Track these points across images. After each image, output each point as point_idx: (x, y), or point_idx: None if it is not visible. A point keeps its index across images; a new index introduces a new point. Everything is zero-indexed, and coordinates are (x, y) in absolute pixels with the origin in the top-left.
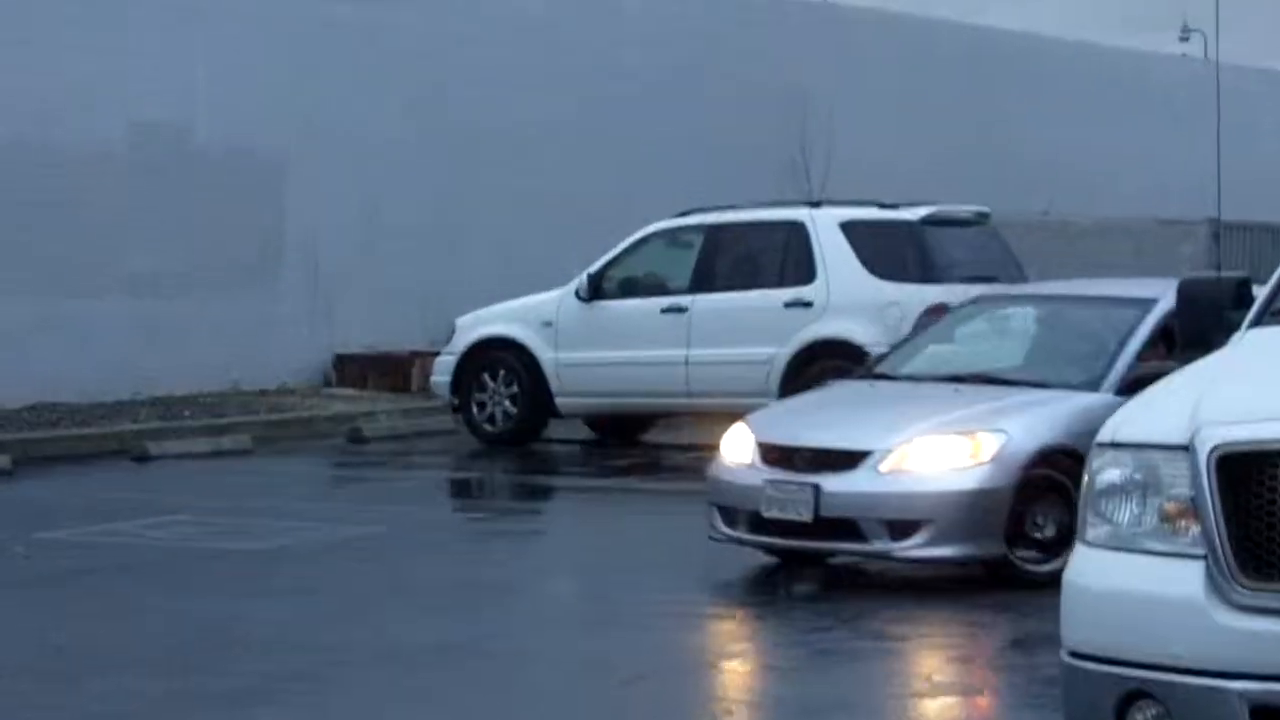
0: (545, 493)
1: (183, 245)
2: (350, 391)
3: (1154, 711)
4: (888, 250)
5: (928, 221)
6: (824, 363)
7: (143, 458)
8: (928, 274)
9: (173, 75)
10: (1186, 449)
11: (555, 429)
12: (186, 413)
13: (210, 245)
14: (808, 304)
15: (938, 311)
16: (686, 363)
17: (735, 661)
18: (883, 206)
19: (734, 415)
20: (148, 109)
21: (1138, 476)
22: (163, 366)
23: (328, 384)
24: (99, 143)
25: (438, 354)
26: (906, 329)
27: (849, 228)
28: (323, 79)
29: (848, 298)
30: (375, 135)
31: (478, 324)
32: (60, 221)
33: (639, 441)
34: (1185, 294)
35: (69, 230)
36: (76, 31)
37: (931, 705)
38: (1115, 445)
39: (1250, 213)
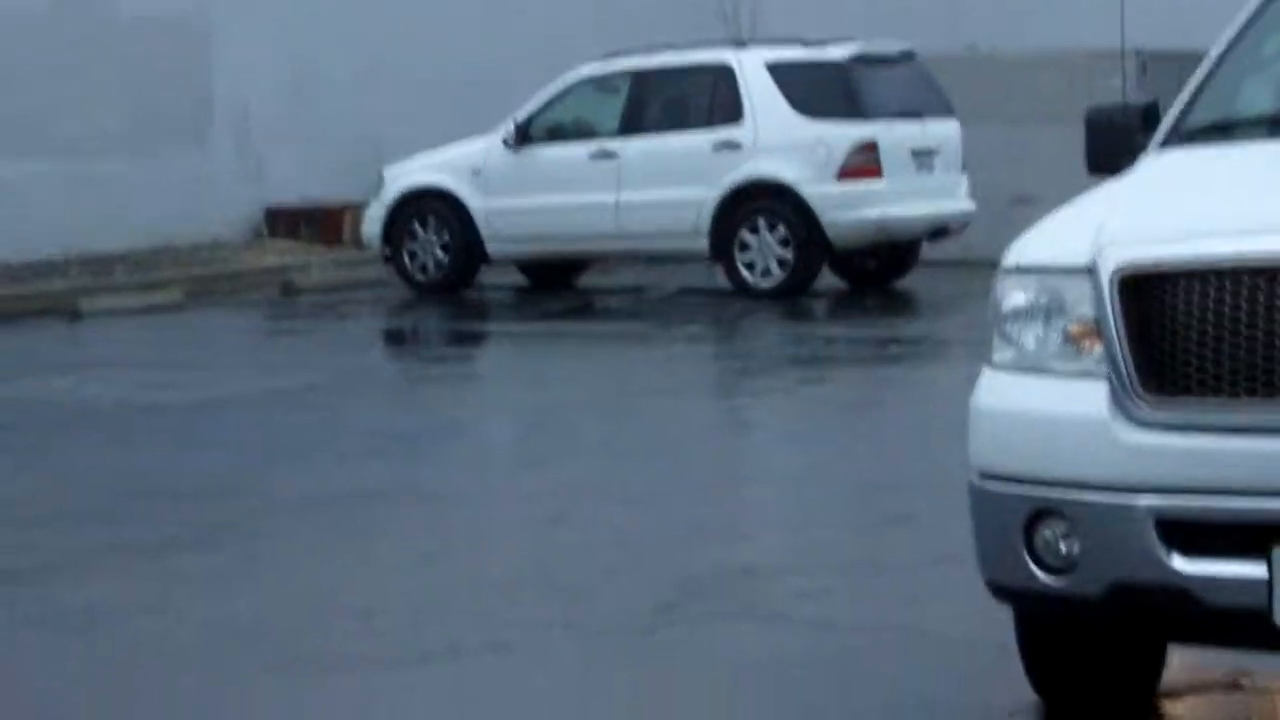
0: (477, 339)
1: (111, 107)
2: (282, 244)
3: (1061, 528)
4: (815, 89)
5: (854, 59)
6: (752, 202)
7: (75, 315)
8: (854, 112)
9: None
10: (1090, 271)
11: (486, 275)
12: (118, 270)
13: (139, 106)
14: (736, 145)
15: (867, 151)
16: (616, 206)
17: (650, 494)
18: (808, 45)
19: (664, 258)
20: None
21: (1042, 299)
22: (94, 226)
23: (259, 238)
24: (24, 8)
25: (368, 205)
26: (834, 168)
27: (775, 68)
28: None
29: (775, 138)
30: None
31: (406, 174)
32: None
33: (571, 286)
34: (1093, 120)
35: None
36: None
37: None
38: (1020, 269)
39: (1187, 40)
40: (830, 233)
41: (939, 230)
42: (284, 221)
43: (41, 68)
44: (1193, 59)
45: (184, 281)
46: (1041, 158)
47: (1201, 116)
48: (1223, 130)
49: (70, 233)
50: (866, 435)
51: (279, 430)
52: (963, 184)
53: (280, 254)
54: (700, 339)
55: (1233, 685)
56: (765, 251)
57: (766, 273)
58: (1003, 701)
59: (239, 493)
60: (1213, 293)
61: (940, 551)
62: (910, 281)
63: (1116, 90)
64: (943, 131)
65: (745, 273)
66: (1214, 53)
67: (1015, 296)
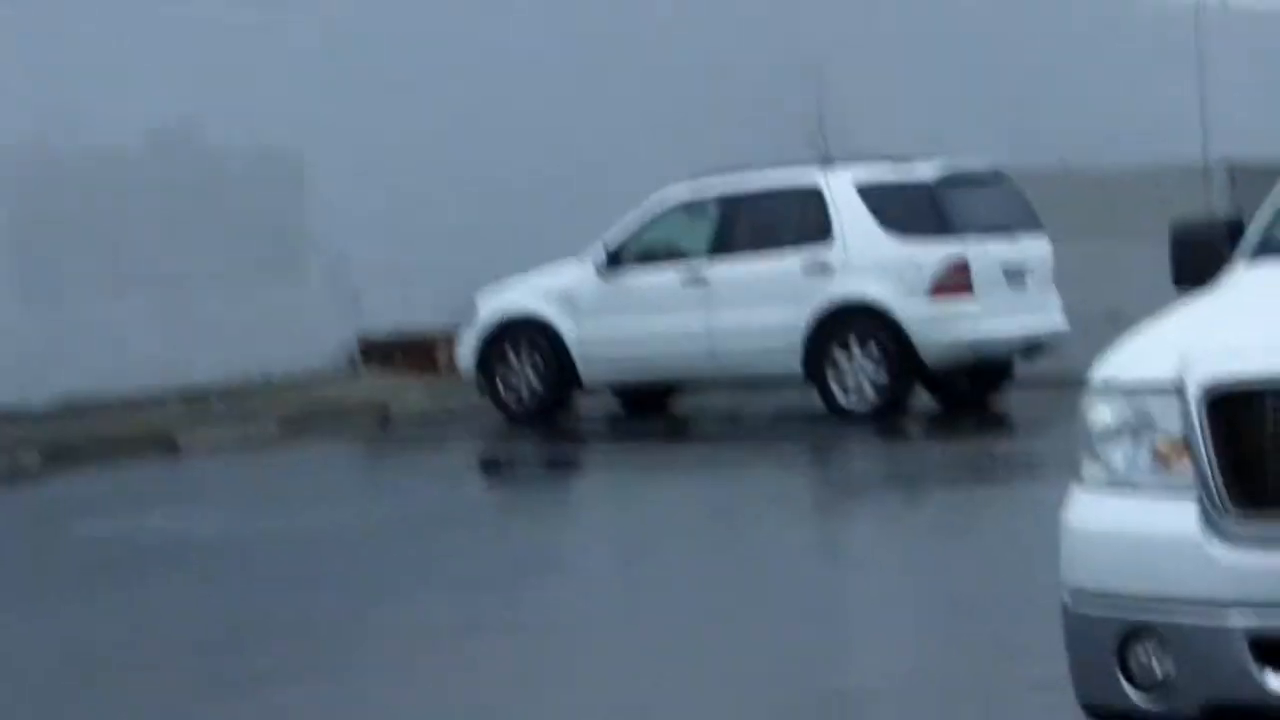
0: (572, 466)
1: (206, 243)
2: (378, 375)
3: (1155, 647)
4: (904, 208)
5: (943, 177)
6: (845, 323)
7: (172, 448)
8: (945, 230)
9: (187, 78)
10: (1177, 388)
11: (581, 401)
12: (214, 403)
13: (234, 240)
14: (827, 266)
15: (958, 269)
16: (709, 330)
17: (748, 622)
18: (896, 163)
19: (757, 381)
20: (164, 113)
21: (1130, 417)
22: (191, 360)
23: (354, 368)
24: (116, 148)
25: (461, 332)
26: (925, 287)
27: (864, 189)
28: (337, 72)
29: (866, 258)
30: (391, 122)
31: (499, 299)
32: (85, 226)
33: (665, 410)
34: (1177, 234)
35: (93, 235)
36: (91, 35)
37: None
38: (1107, 387)
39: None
40: (923, 353)
41: (1032, 348)
42: (378, 352)
43: (137, 204)
44: None
45: (280, 414)
46: (1133, 273)
47: None
48: None
49: (167, 367)
50: (962, 557)
51: (376, 564)
52: (1055, 301)
53: (375, 385)
54: (795, 462)
55: None
56: (858, 372)
57: (860, 393)
58: None
59: (337, 628)
60: None
61: (1039, 676)
62: (1004, 400)
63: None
64: (1034, 248)
65: (839, 393)
66: None
67: (1103, 414)
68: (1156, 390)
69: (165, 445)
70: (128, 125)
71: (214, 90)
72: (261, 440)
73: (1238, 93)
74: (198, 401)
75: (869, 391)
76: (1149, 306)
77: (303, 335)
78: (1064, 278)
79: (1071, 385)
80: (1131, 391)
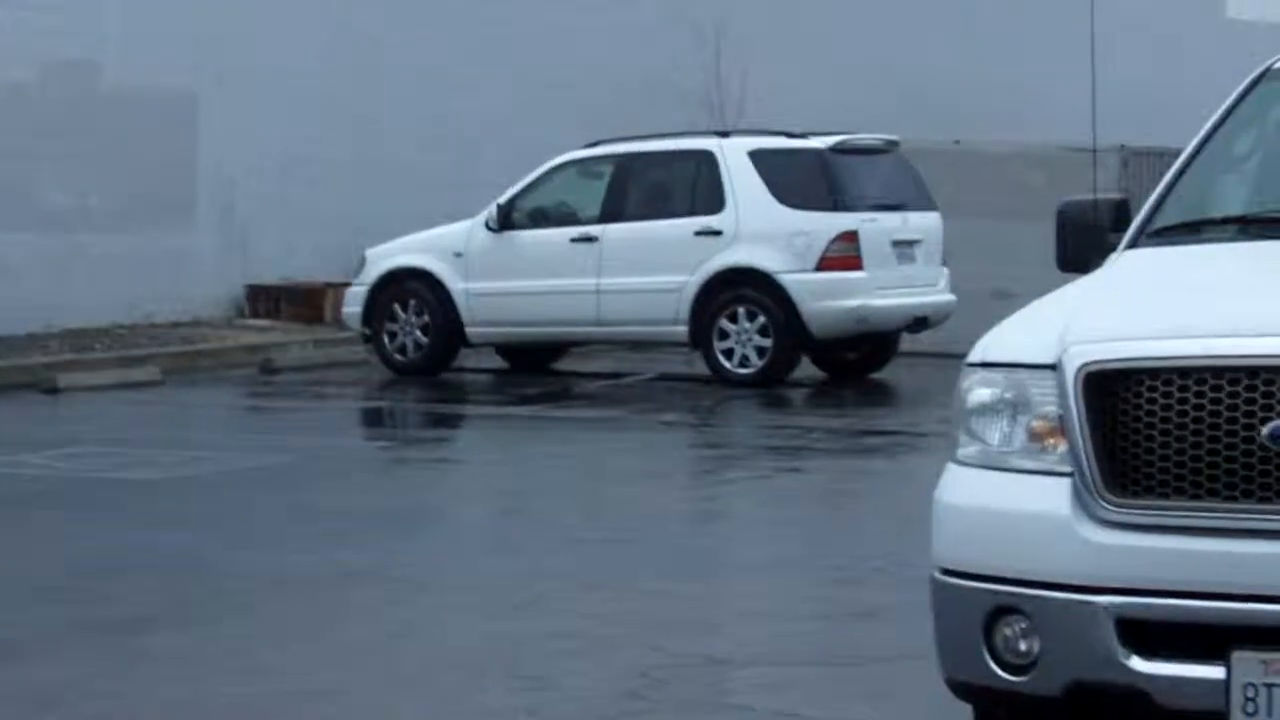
0: (454, 421)
1: (95, 182)
2: (263, 323)
3: (1022, 626)
4: (796, 179)
5: (836, 150)
6: (732, 290)
7: (52, 389)
8: (836, 202)
9: (84, 17)
10: (1054, 368)
11: (466, 359)
12: (98, 345)
13: (123, 182)
14: (717, 232)
15: (847, 241)
16: (597, 291)
17: (619, 582)
18: (791, 136)
19: (643, 344)
20: (59, 50)
21: (1007, 395)
22: (74, 301)
23: (240, 316)
24: (11, 78)
25: (350, 285)
26: (814, 258)
27: (757, 156)
28: (232, 16)
29: (756, 226)
30: (287, 70)
31: (388, 255)
32: None
33: (550, 370)
34: (1064, 217)
35: None
36: None
37: None
38: (985, 365)
39: (1173, 138)
40: (809, 322)
41: (918, 322)
42: (265, 300)
43: (29, 142)
44: (1174, 156)
45: (163, 358)
46: (1022, 252)
47: (1171, 216)
48: (1192, 230)
49: (52, 308)
50: (838, 527)
51: (251, 510)
52: (943, 276)
53: (260, 332)
54: (676, 426)
55: None
56: (744, 340)
57: (745, 361)
58: None
59: (208, 572)
60: (1175, 393)
61: (905, 647)
62: (889, 373)
63: (1099, 185)
64: (924, 224)
65: (724, 360)
66: (1185, 152)
67: (980, 393)
68: (1035, 370)
69: (45, 386)
70: (22, 61)
71: (110, 29)
72: (143, 384)
73: (1133, 76)
74: (81, 343)
75: (754, 359)
76: (1038, 286)
77: (190, 280)
78: (954, 254)
79: (956, 360)
80: (1010, 371)
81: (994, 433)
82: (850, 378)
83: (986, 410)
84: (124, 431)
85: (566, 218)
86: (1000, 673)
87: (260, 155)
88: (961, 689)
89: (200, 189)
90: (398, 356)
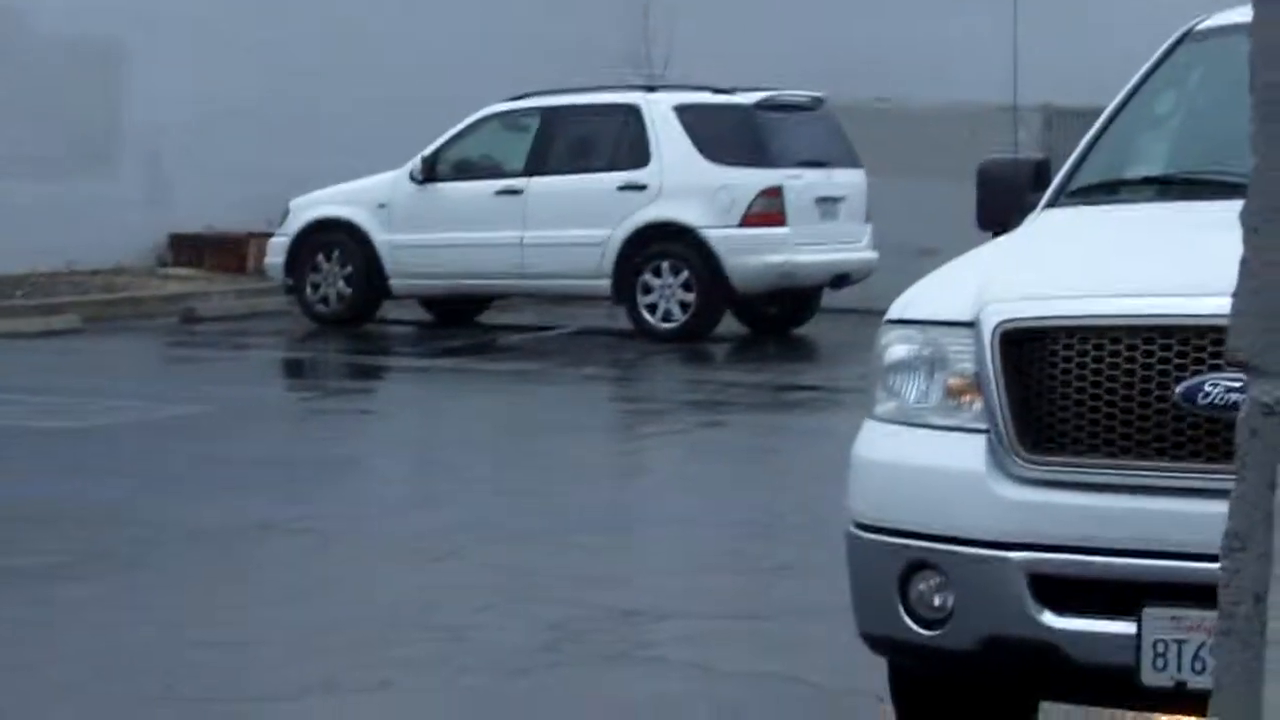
0: (376, 372)
1: (18, 129)
2: (185, 272)
3: (936, 581)
4: (721, 134)
5: (761, 106)
6: (656, 245)
7: None
8: (761, 158)
9: None
10: (972, 325)
11: (389, 310)
12: (18, 292)
13: (46, 129)
14: (641, 187)
15: (771, 197)
16: (521, 244)
17: (536, 535)
18: (717, 91)
19: (567, 297)
20: None
21: (925, 352)
22: None
23: (163, 265)
24: None
25: (273, 235)
26: (738, 213)
27: (683, 111)
28: None
29: (680, 181)
30: (215, 19)
31: (311, 205)
32: None
33: (474, 322)
34: (984, 176)
35: None
36: None
37: None
38: (903, 322)
39: (1099, 98)
40: (732, 277)
41: (841, 278)
42: (188, 249)
43: None
44: (1098, 116)
45: (84, 305)
46: (946, 211)
47: (1091, 175)
48: (1111, 190)
49: None
50: (756, 482)
51: (167, 459)
52: (866, 233)
53: (182, 282)
54: (598, 380)
55: None
56: (667, 295)
57: (668, 316)
58: None
59: (122, 522)
60: (1090, 351)
61: (821, 600)
62: (811, 329)
63: (1021, 143)
64: (848, 181)
65: (647, 315)
66: (1106, 112)
67: (898, 349)
68: (952, 327)
69: None
70: None
71: None
72: (63, 332)
73: (1059, 35)
74: (1, 290)
75: (677, 314)
76: (960, 244)
77: (112, 228)
78: (878, 212)
79: (877, 317)
80: (927, 327)
81: (911, 389)
82: (772, 333)
83: (903, 367)
84: (43, 380)
85: (491, 170)
86: (915, 627)
87: (186, 104)
88: (876, 643)
89: (125, 137)
90: (320, 307)
